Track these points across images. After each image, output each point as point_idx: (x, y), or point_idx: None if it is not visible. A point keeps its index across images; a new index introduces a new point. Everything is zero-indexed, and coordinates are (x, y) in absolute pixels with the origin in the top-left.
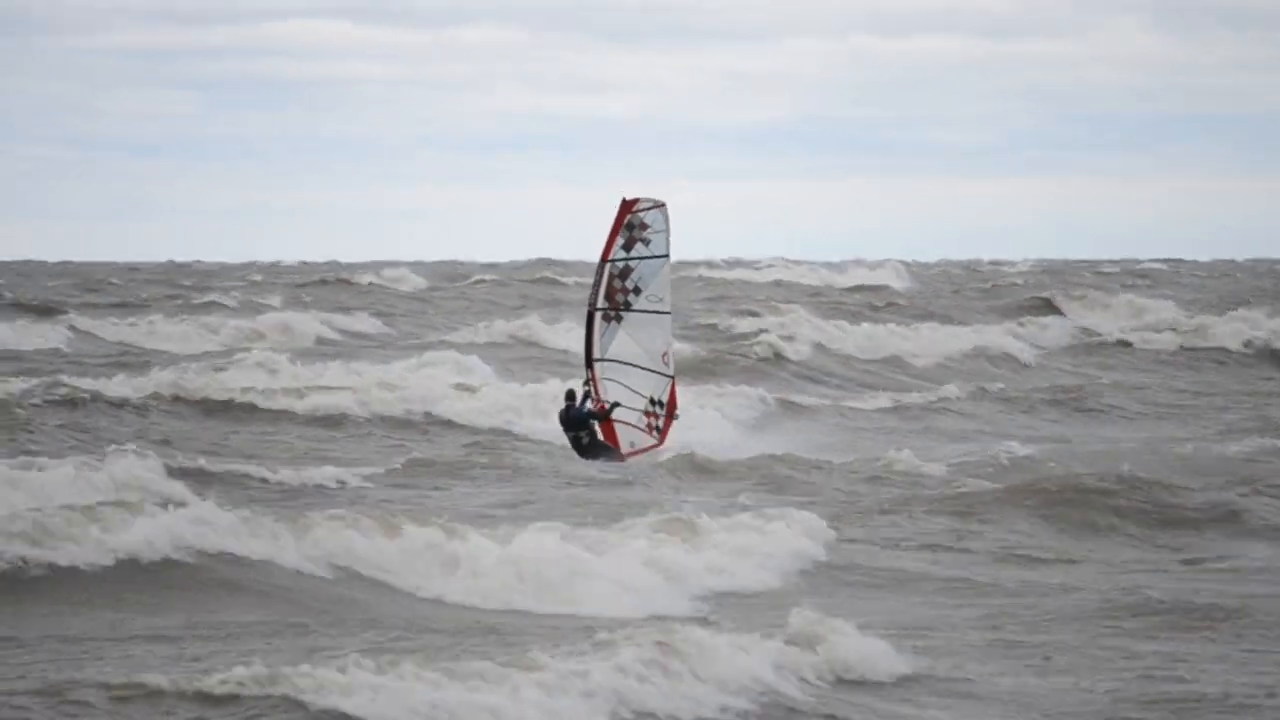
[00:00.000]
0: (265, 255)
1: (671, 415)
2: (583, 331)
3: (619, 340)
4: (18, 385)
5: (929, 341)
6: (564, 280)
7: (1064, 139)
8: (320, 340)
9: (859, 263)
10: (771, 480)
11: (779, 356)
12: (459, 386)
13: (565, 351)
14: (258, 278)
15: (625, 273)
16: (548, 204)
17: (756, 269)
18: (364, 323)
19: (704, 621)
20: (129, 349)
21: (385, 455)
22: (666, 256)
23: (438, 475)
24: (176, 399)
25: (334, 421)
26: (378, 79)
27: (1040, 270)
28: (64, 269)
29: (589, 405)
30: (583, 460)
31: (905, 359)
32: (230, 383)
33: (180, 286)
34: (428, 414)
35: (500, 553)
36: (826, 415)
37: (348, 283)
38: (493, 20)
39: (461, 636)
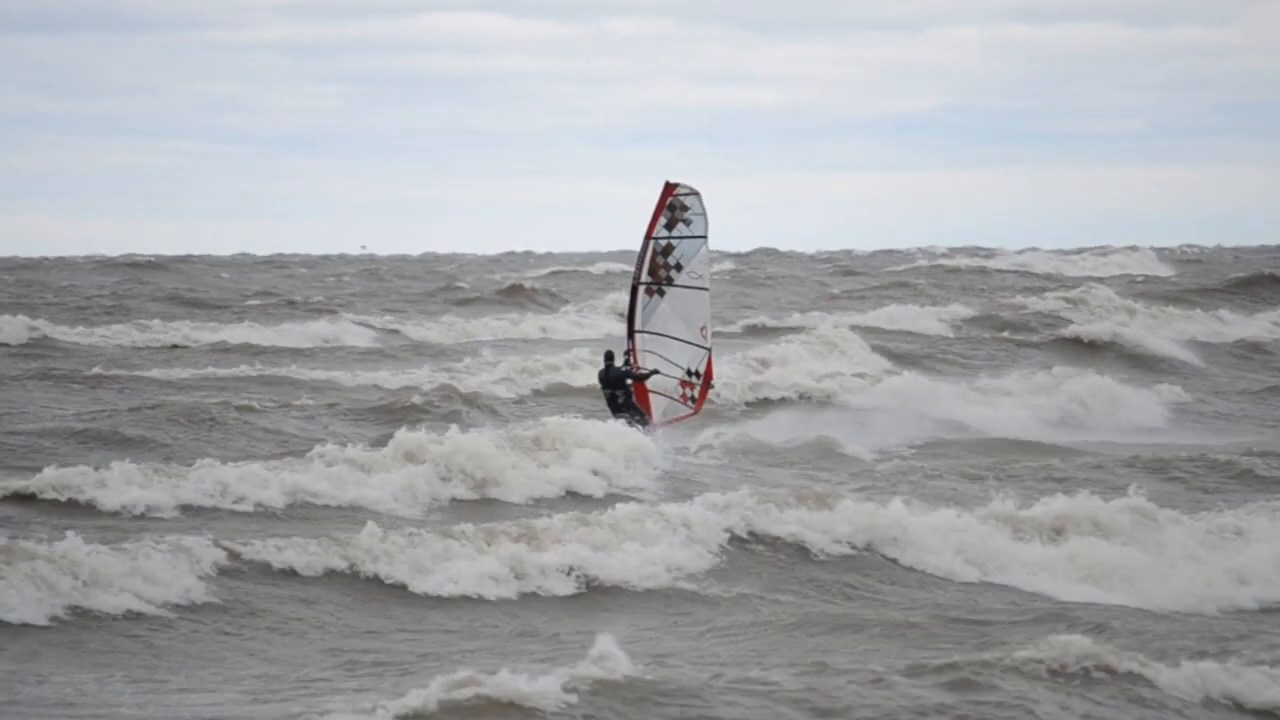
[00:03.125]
0: (414, 249)
1: (708, 385)
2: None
3: (660, 313)
4: None
5: None
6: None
7: (1218, 127)
8: None
9: (1101, 250)
10: None
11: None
12: None
13: None
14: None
15: (668, 250)
16: (707, 196)
17: (987, 257)
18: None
19: None
20: None
21: None
22: (705, 238)
23: None
24: None
25: None
26: (528, 73)
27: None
28: (274, 262)
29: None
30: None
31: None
32: None
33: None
34: None
35: None
36: None
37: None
38: (643, 12)
39: None
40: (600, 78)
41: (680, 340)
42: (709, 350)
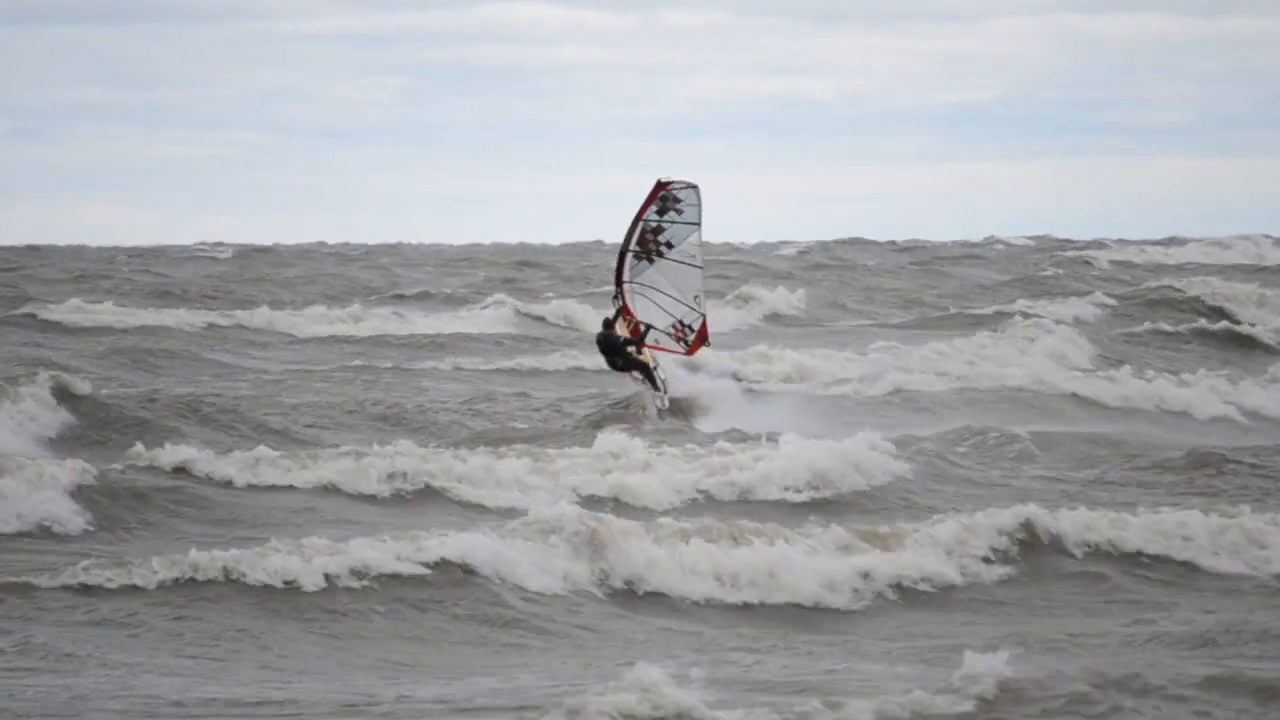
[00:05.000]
0: (461, 239)
1: (702, 341)
2: None
3: (649, 274)
4: None
5: None
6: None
7: (1273, 119)
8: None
9: (1207, 240)
10: None
11: None
12: None
13: None
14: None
15: (658, 230)
16: (750, 187)
17: (1079, 249)
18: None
19: None
20: None
21: None
22: (697, 225)
23: None
24: None
25: None
26: (581, 63)
27: None
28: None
29: (622, 330)
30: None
31: None
32: None
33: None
34: None
35: None
36: None
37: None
38: (698, 3)
39: None
40: (654, 69)
41: (671, 297)
42: (704, 315)
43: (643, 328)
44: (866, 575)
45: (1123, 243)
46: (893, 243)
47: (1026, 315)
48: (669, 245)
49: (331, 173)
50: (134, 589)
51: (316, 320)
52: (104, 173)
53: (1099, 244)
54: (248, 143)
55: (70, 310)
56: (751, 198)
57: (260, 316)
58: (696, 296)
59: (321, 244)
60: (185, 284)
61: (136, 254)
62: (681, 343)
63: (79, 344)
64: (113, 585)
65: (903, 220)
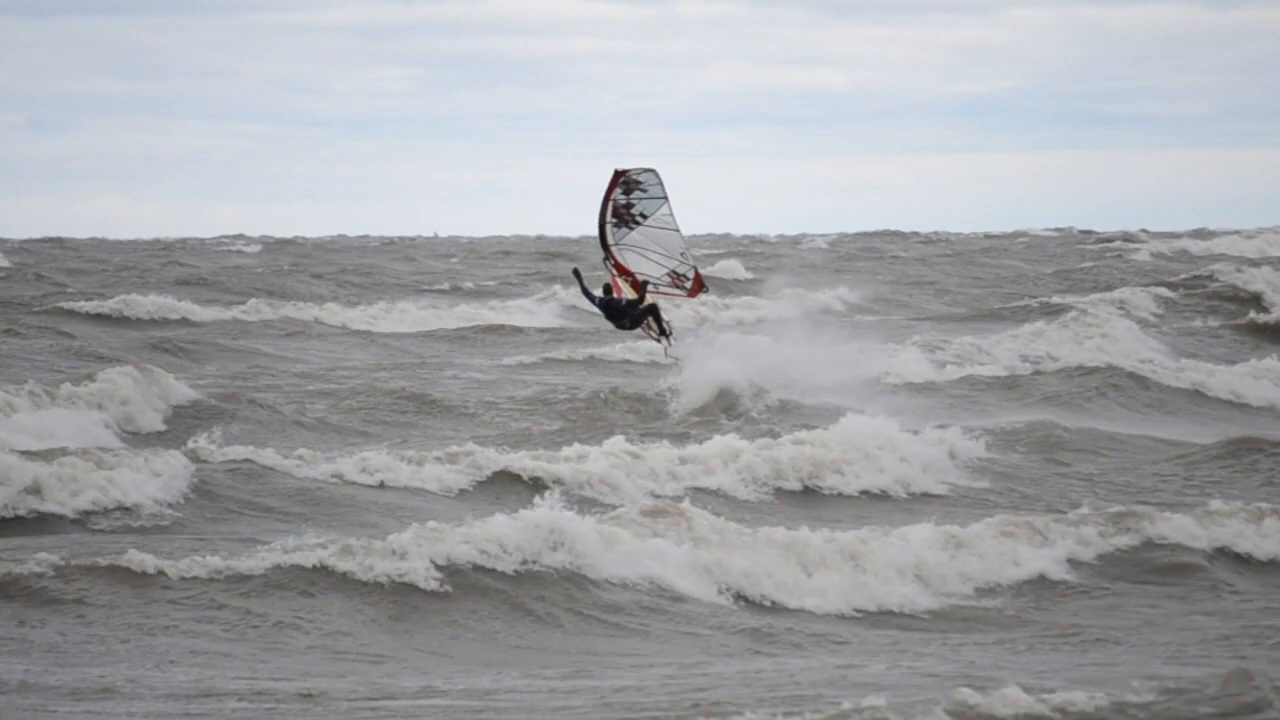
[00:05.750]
0: (479, 230)
1: (700, 286)
2: None
3: (633, 238)
4: None
5: None
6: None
7: None
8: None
9: (1243, 232)
10: None
11: None
12: None
13: None
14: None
15: (629, 205)
16: (763, 178)
17: (1155, 239)
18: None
19: None
20: None
21: None
22: (665, 199)
23: None
24: None
25: None
26: (597, 54)
27: None
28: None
29: (627, 291)
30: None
31: None
32: None
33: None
34: None
35: None
36: None
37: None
38: None
39: None
40: (669, 60)
41: (659, 253)
42: (694, 267)
43: (641, 279)
44: None
45: (1145, 233)
46: (916, 234)
47: (1083, 310)
48: (643, 215)
49: (346, 163)
50: (242, 577)
51: (401, 316)
52: (117, 164)
53: (1127, 236)
54: (262, 134)
55: (123, 305)
56: (765, 189)
57: (334, 313)
58: (683, 253)
59: (341, 236)
60: (227, 276)
61: (160, 247)
62: (680, 288)
63: (148, 337)
64: (222, 576)
65: (916, 212)
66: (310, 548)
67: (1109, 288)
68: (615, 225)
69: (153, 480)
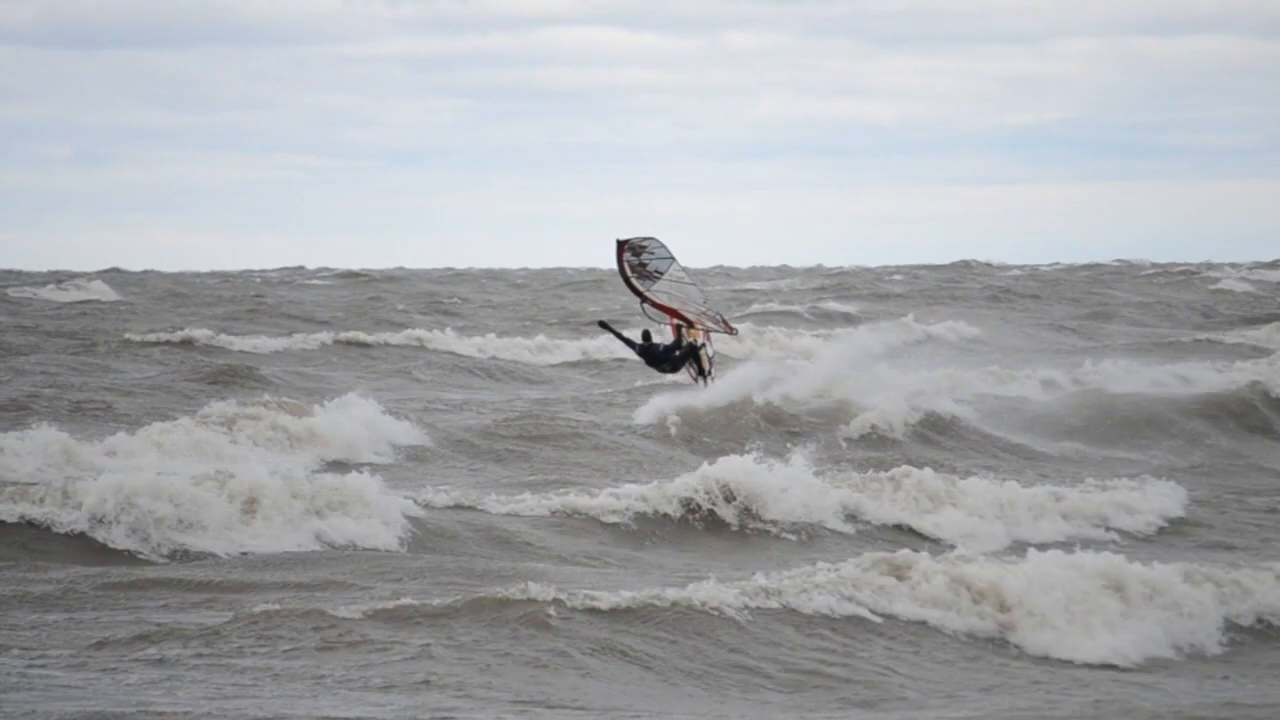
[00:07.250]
0: (523, 261)
1: (729, 330)
2: None
3: (659, 286)
4: None
5: None
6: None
7: None
8: None
9: None
10: None
11: None
12: None
13: None
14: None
15: (643, 265)
16: (817, 210)
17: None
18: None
19: None
20: None
21: None
22: (673, 259)
23: None
24: None
25: None
26: (644, 86)
27: None
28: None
29: (669, 335)
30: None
31: None
32: None
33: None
34: None
35: None
36: None
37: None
38: (761, 25)
39: None
40: (716, 90)
41: (687, 304)
42: (719, 314)
43: (677, 323)
44: None
45: (1212, 264)
46: (987, 265)
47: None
48: (658, 272)
49: (395, 195)
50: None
51: (540, 348)
52: (165, 196)
53: (1207, 266)
54: (311, 166)
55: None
56: (811, 220)
57: (493, 343)
58: (705, 304)
59: (400, 268)
60: (334, 309)
61: (229, 279)
62: (726, 328)
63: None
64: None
65: (967, 243)
66: None
67: (1253, 322)
68: (639, 279)
69: (380, 519)
